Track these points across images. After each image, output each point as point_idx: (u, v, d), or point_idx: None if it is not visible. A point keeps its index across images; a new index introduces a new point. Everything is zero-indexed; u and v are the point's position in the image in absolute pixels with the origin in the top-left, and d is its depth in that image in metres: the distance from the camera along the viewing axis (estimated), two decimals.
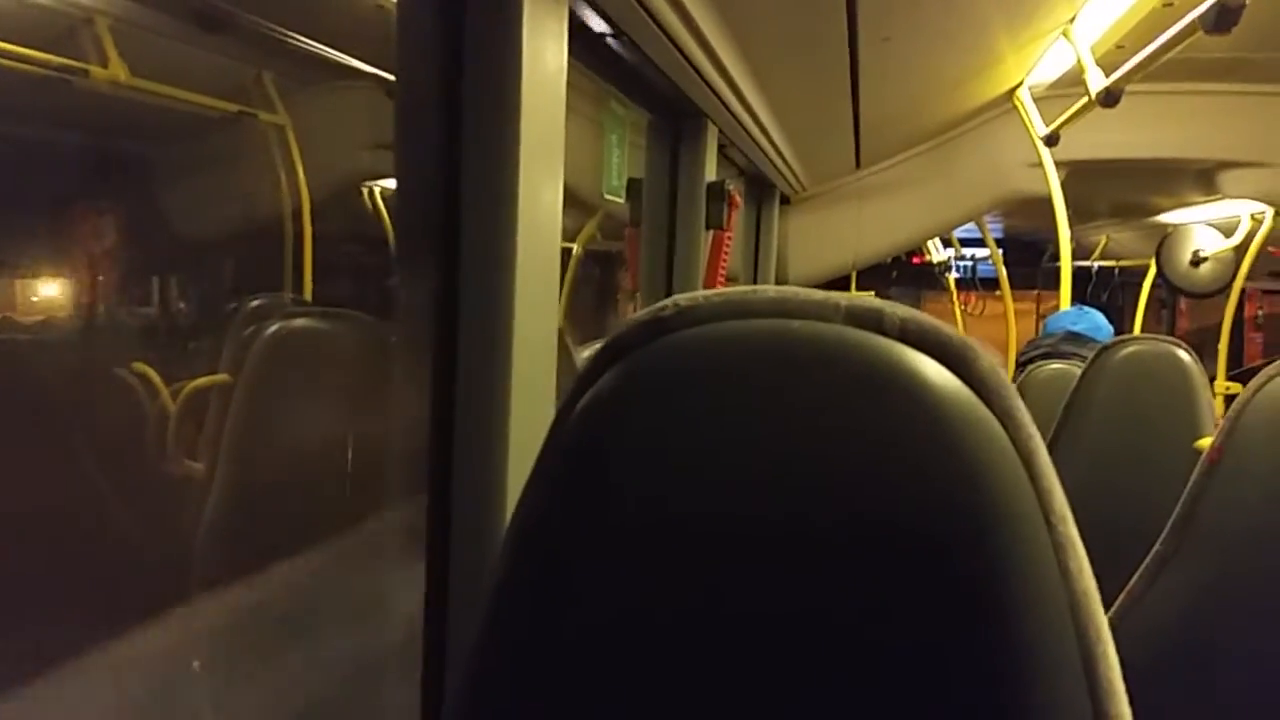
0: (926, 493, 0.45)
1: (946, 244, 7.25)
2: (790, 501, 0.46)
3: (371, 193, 3.39)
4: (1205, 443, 2.07)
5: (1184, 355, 2.23)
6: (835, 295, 0.49)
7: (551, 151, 0.99)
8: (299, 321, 1.27)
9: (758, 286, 0.50)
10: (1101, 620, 0.47)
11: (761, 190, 3.47)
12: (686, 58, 1.47)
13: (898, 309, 0.48)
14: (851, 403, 0.46)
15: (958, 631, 0.45)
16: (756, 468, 0.47)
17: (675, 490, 0.48)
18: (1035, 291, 8.07)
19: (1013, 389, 0.48)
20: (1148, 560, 1.23)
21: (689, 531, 0.48)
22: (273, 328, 1.24)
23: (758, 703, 0.47)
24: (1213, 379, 5.17)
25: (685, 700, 0.48)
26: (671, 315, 0.50)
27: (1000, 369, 0.48)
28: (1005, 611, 0.45)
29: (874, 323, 0.48)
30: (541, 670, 0.51)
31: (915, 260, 7.55)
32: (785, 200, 3.93)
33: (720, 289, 0.51)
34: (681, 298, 0.50)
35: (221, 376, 1.44)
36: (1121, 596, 1.11)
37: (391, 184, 3.27)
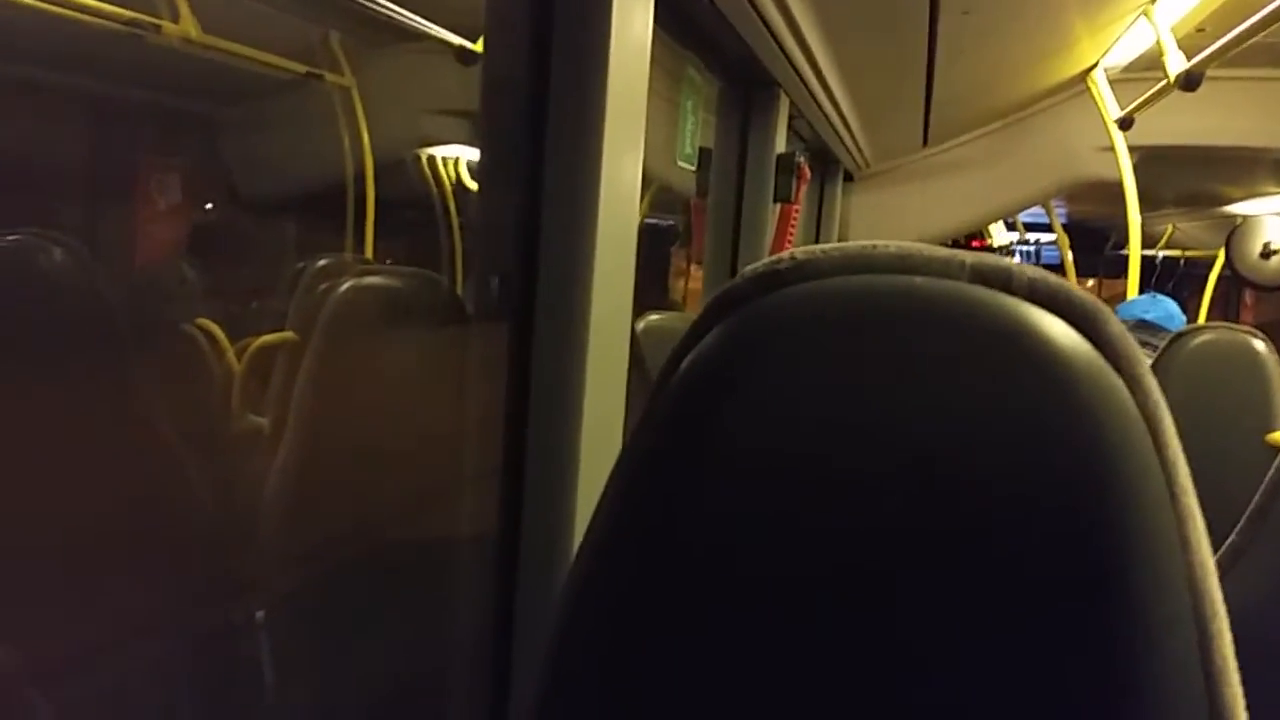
0: (1050, 456, 0.44)
1: (1010, 227, 7.16)
2: (909, 463, 0.45)
3: (431, 159, 3.41)
4: (1279, 436, 2.03)
5: (1259, 345, 2.18)
6: (960, 252, 0.47)
7: (634, 120, 0.97)
8: (372, 279, 1.27)
9: (877, 241, 0.48)
10: (1217, 596, 0.46)
11: (826, 166, 3.44)
12: (765, 23, 1.45)
13: (1025, 267, 0.46)
14: (976, 362, 0.45)
15: (1074, 596, 0.44)
16: (874, 427, 0.45)
17: (788, 450, 0.46)
18: (1097, 279, 7.95)
19: (1141, 354, 0.46)
20: (1221, 552, 1.20)
21: (803, 493, 0.46)
22: (346, 285, 1.24)
23: (868, 664, 0.46)
24: None
25: (796, 660, 0.47)
26: (788, 268, 0.48)
27: (1129, 334, 0.46)
28: (1124, 579, 0.44)
29: (1001, 281, 0.46)
30: (635, 636, 0.50)
31: (975, 244, 7.46)
32: (849, 177, 3.88)
33: (840, 244, 0.49)
34: (799, 251, 0.48)
35: (289, 334, 1.44)
36: None
37: (450, 150, 3.29)
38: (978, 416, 0.44)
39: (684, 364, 0.49)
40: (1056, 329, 0.45)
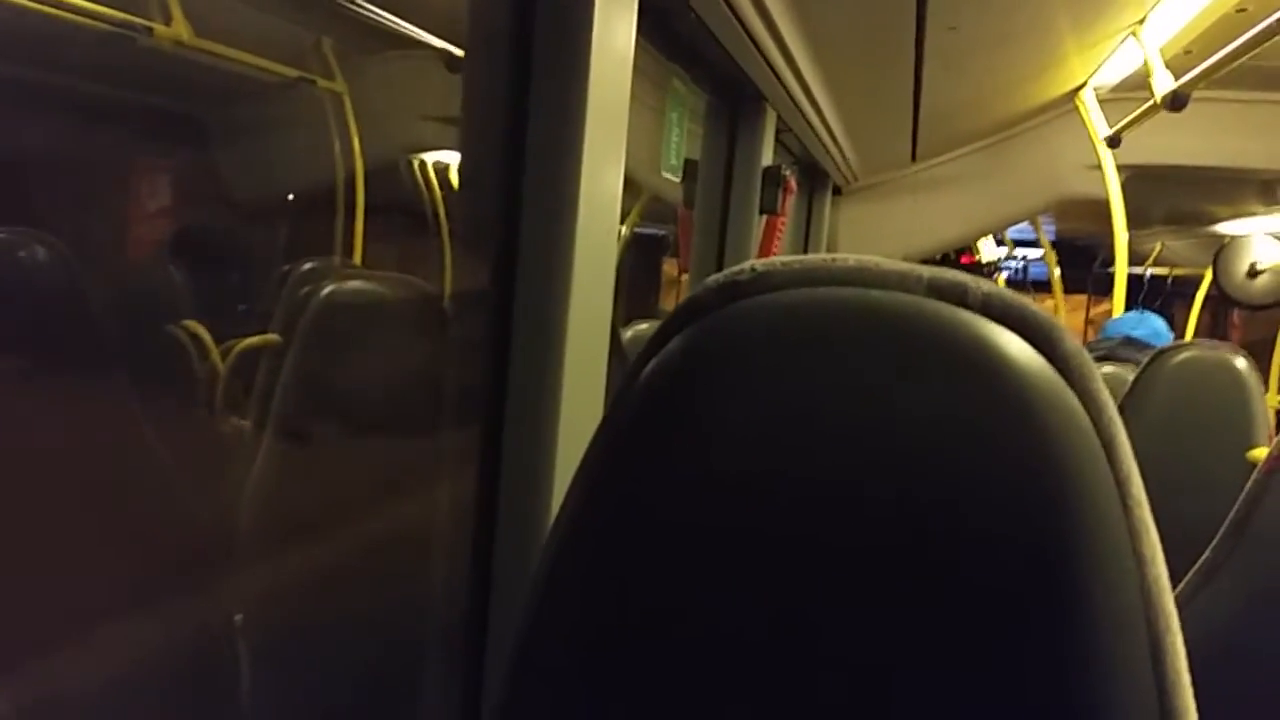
0: (1003, 470, 0.44)
1: (999, 243, 7.18)
2: (862, 473, 0.45)
3: (423, 164, 3.40)
4: (1259, 453, 2.04)
5: (1240, 363, 2.19)
6: (918, 267, 0.48)
7: (615, 130, 0.98)
8: (354, 284, 1.27)
9: (837, 255, 0.49)
10: (1171, 609, 0.46)
11: (814, 179, 3.44)
12: (751, 36, 1.45)
13: (981, 283, 0.47)
14: (930, 376, 0.45)
15: (1027, 611, 0.44)
16: (830, 438, 0.46)
17: (741, 457, 0.47)
18: (1085, 296, 7.99)
19: (1096, 370, 0.46)
20: (1198, 566, 1.21)
21: (753, 498, 0.47)
22: (327, 289, 1.24)
23: (820, 673, 0.46)
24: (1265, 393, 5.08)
25: (747, 668, 0.47)
26: (748, 280, 0.49)
27: (1084, 350, 0.46)
28: (1077, 594, 0.44)
29: (957, 295, 0.46)
30: (600, 633, 0.50)
31: (964, 259, 7.49)
32: (837, 191, 3.89)
33: (800, 256, 0.50)
34: (759, 262, 0.49)
35: (272, 337, 1.44)
36: None
37: (441, 156, 3.29)
38: (931, 430, 0.45)
39: (646, 370, 0.50)
40: (1011, 344, 0.45)
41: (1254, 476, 1.20)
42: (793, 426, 0.46)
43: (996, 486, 0.44)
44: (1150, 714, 0.45)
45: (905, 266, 0.48)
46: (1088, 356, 0.47)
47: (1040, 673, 0.44)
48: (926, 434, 0.45)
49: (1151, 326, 3.34)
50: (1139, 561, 0.45)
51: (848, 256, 0.48)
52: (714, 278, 0.50)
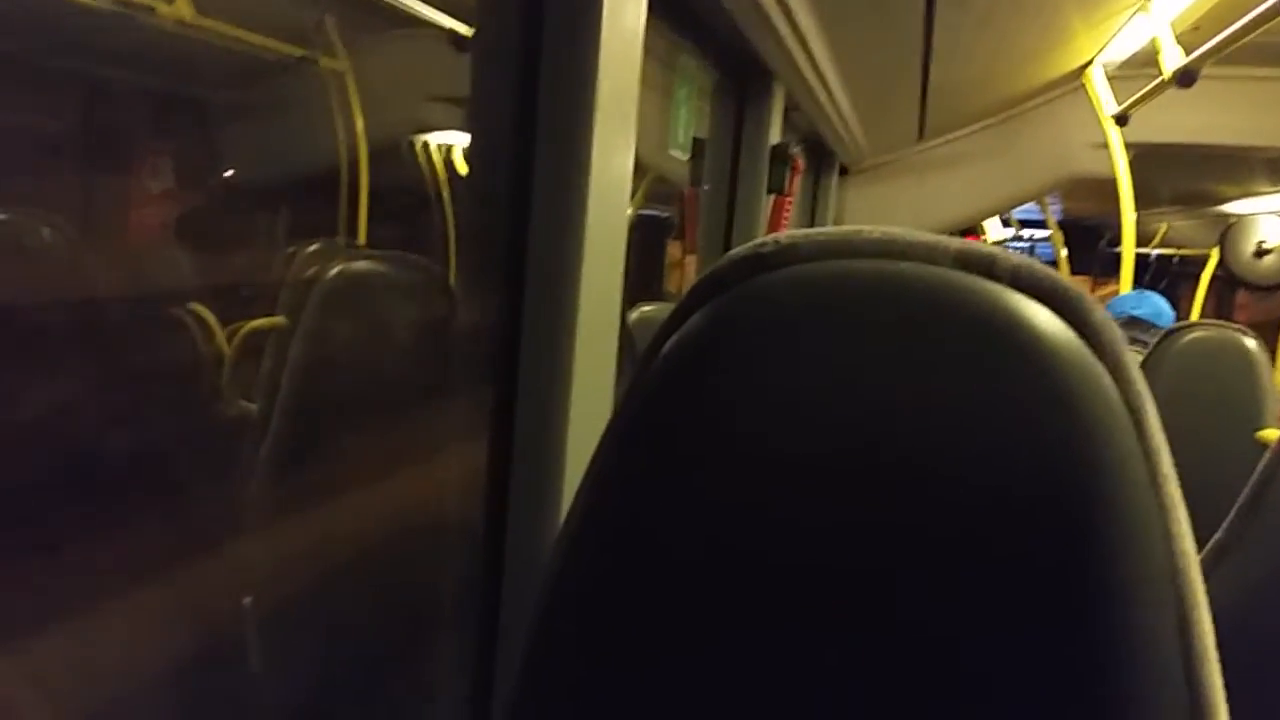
0: (1032, 443, 0.44)
1: (1005, 223, 7.16)
2: (889, 448, 0.45)
3: (425, 145, 3.39)
4: (1269, 433, 2.04)
5: (1250, 343, 2.18)
6: (944, 238, 0.47)
7: (626, 109, 0.97)
8: (359, 264, 1.26)
9: (862, 226, 0.48)
10: (1199, 584, 0.46)
11: (821, 158, 3.43)
12: (762, 12, 1.44)
13: (1010, 254, 0.46)
14: (958, 348, 0.45)
15: (1057, 582, 0.44)
16: (856, 412, 0.45)
17: (767, 433, 0.46)
18: (1090, 277, 7.97)
19: (1124, 343, 0.46)
20: (1208, 547, 1.21)
21: (780, 476, 0.46)
22: (333, 270, 1.23)
23: (844, 647, 0.46)
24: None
25: (769, 645, 0.46)
26: (772, 252, 0.48)
27: (1113, 322, 0.46)
28: (1107, 567, 0.43)
29: (985, 267, 0.45)
30: (616, 619, 0.50)
31: (969, 239, 7.46)
32: (844, 170, 3.88)
33: (824, 228, 0.49)
34: (783, 235, 0.48)
35: (279, 319, 1.44)
36: None
37: (446, 137, 3.28)
38: (959, 402, 0.44)
39: (668, 345, 0.49)
40: (1040, 316, 0.45)
41: (1265, 457, 1.20)
42: (819, 401, 0.46)
43: (1026, 459, 0.44)
44: (1178, 689, 0.44)
45: (932, 238, 0.47)
46: (1117, 329, 0.46)
47: (1069, 645, 0.44)
48: (955, 407, 0.44)
49: (1153, 305, 3.34)
50: (1166, 535, 0.45)
51: (873, 229, 0.47)
52: (737, 250, 0.49)
